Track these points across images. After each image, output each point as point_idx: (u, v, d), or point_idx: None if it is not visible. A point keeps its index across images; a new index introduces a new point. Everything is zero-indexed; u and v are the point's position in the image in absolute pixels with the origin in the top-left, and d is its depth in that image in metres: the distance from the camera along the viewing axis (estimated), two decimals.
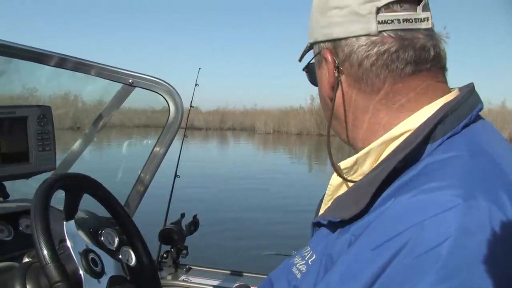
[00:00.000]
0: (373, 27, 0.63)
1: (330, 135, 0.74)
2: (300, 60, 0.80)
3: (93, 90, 1.89)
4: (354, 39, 0.65)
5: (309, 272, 0.65)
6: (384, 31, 0.63)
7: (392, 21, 0.63)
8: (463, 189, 0.51)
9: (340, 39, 0.67)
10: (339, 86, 0.69)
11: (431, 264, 0.47)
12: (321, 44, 0.71)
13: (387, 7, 0.63)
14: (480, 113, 0.65)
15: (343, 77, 0.69)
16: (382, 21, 0.63)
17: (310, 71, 0.79)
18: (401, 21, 0.63)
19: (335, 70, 0.69)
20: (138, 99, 1.82)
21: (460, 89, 0.68)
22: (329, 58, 0.69)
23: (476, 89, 0.68)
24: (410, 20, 0.63)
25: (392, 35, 0.63)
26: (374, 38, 0.64)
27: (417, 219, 0.50)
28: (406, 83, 0.65)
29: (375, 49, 0.64)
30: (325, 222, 0.66)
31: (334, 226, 0.64)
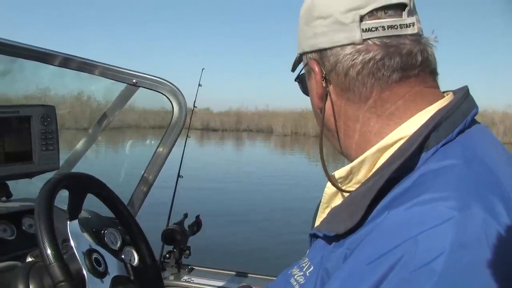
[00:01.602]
0: (357, 36, 0.63)
1: (323, 144, 0.73)
2: (292, 70, 0.80)
3: (107, 91, 1.88)
4: (339, 48, 0.65)
5: (306, 283, 0.64)
6: (368, 39, 0.63)
7: (377, 28, 0.62)
8: (457, 200, 0.50)
9: (325, 49, 0.67)
10: (328, 96, 0.69)
11: (426, 279, 0.46)
12: (308, 54, 0.71)
13: (371, 14, 0.63)
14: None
15: (331, 87, 0.68)
16: (366, 29, 0.62)
17: (302, 81, 0.78)
18: (386, 28, 0.62)
19: (323, 80, 0.68)
20: (143, 99, 1.82)
21: (454, 92, 0.67)
22: (316, 68, 0.68)
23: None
24: (395, 27, 0.62)
25: (377, 42, 0.62)
26: (358, 46, 0.63)
27: (411, 233, 0.49)
28: (394, 90, 0.64)
29: (360, 58, 0.63)
30: (321, 235, 0.65)
31: (330, 238, 0.63)
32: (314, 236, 0.69)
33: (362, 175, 0.66)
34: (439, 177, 0.54)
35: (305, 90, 0.78)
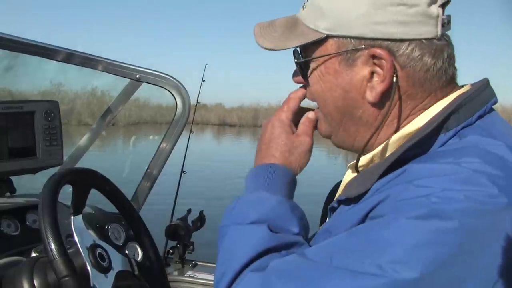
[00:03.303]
0: (439, 31, 0.60)
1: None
2: (296, 53, 0.71)
3: (111, 86, 1.86)
4: (419, 41, 0.60)
5: (316, 237, 0.69)
6: (443, 34, 0.62)
7: (444, 24, 0.61)
8: (476, 164, 0.53)
9: (402, 40, 0.60)
10: (390, 90, 0.62)
11: (422, 204, 0.50)
12: (365, 41, 0.62)
13: (440, 8, 0.62)
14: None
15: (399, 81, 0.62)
16: (443, 24, 0.61)
17: (305, 67, 0.70)
18: (447, 23, 0.62)
19: (394, 74, 0.61)
20: (149, 95, 1.81)
21: (473, 84, 0.68)
22: (388, 59, 0.61)
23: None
24: (447, 23, 0.63)
25: (446, 39, 0.63)
26: (438, 42, 0.61)
27: (423, 176, 0.54)
28: (449, 87, 0.65)
29: (445, 54, 0.62)
30: (336, 205, 0.68)
31: (345, 202, 0.66)
32: (331, 210, 0.71)
33: None
34: (459, 151, 0.56)
35: (307, 76, 0.71)
